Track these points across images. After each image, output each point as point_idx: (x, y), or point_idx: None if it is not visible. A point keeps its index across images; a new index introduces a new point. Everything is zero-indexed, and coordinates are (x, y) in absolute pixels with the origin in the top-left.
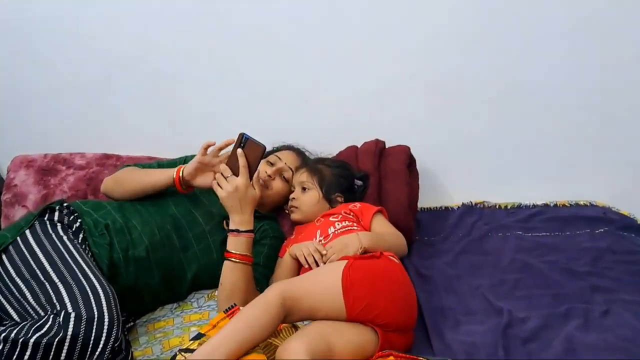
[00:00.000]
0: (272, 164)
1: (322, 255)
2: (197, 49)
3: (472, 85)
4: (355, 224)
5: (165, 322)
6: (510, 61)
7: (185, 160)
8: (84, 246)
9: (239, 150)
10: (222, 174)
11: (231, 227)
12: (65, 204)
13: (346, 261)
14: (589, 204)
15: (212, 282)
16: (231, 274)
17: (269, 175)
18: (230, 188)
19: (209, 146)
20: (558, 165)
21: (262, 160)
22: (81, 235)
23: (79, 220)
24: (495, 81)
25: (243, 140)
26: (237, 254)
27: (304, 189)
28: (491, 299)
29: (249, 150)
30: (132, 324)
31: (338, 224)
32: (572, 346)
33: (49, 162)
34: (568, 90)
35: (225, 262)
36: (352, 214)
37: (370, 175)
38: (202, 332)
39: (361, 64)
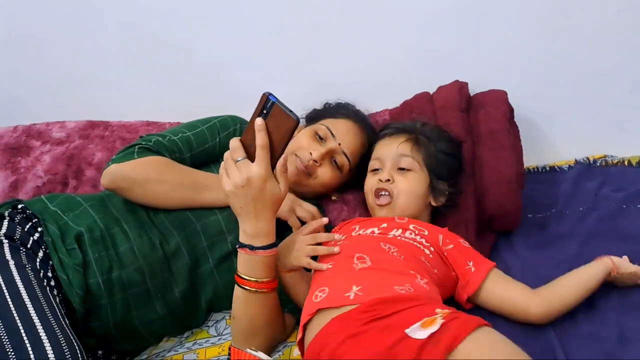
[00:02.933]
0: (321, 139)
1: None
2: None
3: None
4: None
5: None
6: None
7: (225, 122)
8: (43, 272)
9: (259, 121)
10: (231, 155)
11: (241, 239)
12: (20, 206)
13: None
14: None
15: None
16: (246, 306)
17: (315, 161)
18: (240, 180)
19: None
20: None
21: (306, 129)
22: (41, 254)
23: (40, 229)
24: None
25: (267, 106)
26: (251, 281)
27: (401, 168)
28: None
29: (275, 121)
30: None
31: (409, 234)
32: None
33: (19, 137)
34: None
35: (236, 289)
36: (440, 255)
37: (463, 143)
38: None
39: None
